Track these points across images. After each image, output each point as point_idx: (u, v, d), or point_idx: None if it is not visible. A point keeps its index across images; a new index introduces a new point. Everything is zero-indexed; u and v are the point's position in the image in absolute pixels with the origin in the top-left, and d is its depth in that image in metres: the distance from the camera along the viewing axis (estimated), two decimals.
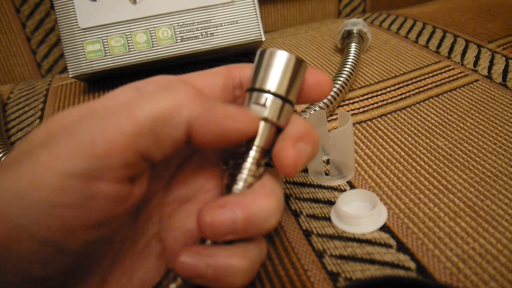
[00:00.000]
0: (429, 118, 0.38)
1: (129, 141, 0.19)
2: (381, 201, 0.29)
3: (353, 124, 0.38)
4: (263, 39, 0.47)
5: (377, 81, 0.45)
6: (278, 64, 0.24)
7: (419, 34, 0.55)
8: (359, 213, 0.28)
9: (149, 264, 0.23)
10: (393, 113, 0.39)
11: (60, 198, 0.18)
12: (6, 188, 0.18)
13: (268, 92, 0.23)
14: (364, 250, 0.26)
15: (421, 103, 0.40)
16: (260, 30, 0.47)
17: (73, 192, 0.18)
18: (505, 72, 0.44)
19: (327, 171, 0.32)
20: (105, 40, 0.45)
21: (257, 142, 0.23)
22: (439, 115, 0.38)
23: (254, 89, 0.24)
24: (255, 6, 0.46)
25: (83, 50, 0.45)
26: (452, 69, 0.46)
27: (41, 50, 0.60)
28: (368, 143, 0.35)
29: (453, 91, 0.42)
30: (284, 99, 0.24)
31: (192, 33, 0.46)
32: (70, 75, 0.45)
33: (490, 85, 0.42)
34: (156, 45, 0.45)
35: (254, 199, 0.22)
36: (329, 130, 0.37)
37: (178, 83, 0.21)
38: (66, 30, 0.45)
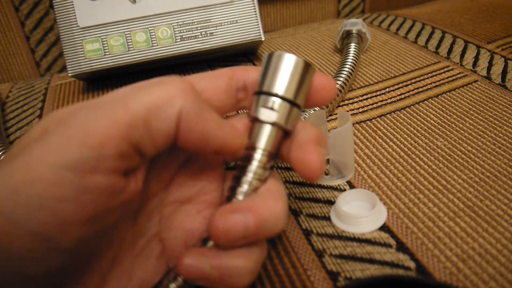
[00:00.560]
0: (428, 119, 0.38)
1: (123, 131, 0.19)
2: (380, 201, 0.29)
3: (353, 124, 0.38)
4: (263, 39, 0.47)
5: (376, 81, 0.45)
6: (286, 68, 0.23)
7: (418, 34, 0.55)
8: (359, 213, 0.28)
9: (149, 264, 0.23)
10: (392, 113, 0.39)
11: (54, 191, 0.18)
12: (1, 183, 0.18)
13: (276, 95, 0.23)
14: (363, 250, 0.26)
15: (421, 103, 0.40)
16: (259, 30, 0.47)
17: (67, 185, 0.18)
18: (504, 72, 0.44)
19: (326, 171, 0.32)
20: (105, 39, 0.45)
21: (263, 145, 0.23)
22: (439, 116, 0.38)
23: (261, 92, 0.24)
24: (254, 6, 0.47)
25: (82, 49, 0.45)
26: (451, 69, 0.46)
27: (40, 49, 0.60)
28: (367, 143, 0.35)
29: (452, 92, 0.42)
30: (292, 102, 0.24)
31: (191, 32, 0.46)
32: (69, 74, 0.45)
33: (489, 86, 0.42)
34: (156, 44, 0.45)
35: (264, 204, 0.22)
36: (328, 130, 0.37)
37: (176, 78, 0.22)
38: (66, 29, 0.45)
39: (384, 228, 0.27)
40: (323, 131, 0.32)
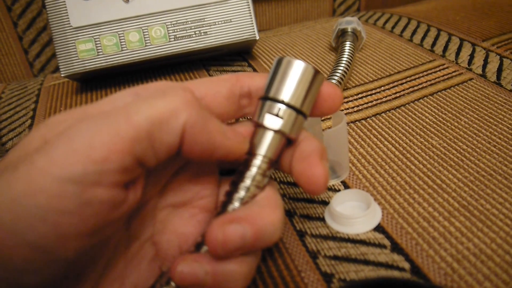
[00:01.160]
0: (423, 117, 0.38)
1: (127, 145, 0.19)
2: (375, 201, 0.29)
3: (347, 123, 0.38)
4: (257, 38, 0.47)
5: (371, 80, 0.45)
6: (295, 74, 0.23)
7: (414, 32, 0.55)
8: (353, 213, 0.28)
9: (141, 268, 0.23)
10: (387, 112, 0.39)
11: (56, 204, 0.17)
12: (0, 193, 0.17)
13: (283, 102, 0.23)
14: (358, 251, 0.26)
15: (416, 102, 0.40)
16: (254, 29, 0.46)
17: (69, 198, 0.18)
18: (499, 70, 0.43)
19: None
20: (98, 39, 0.45)
21: (265, 152, 0.23)
22: (434, 114, 0.38)
23: (268, 97, 0.23)
24: (249, 5, 0.46)
25: (75, 49, 0.44)
26: (447, 67, 0.45)
27: (33, 50, 0.59)
28: (362, 143, 0.35)
29: (448, 90, 0.41)
30: (298, 111, 0.23)
31: (185, 32, 0.45)
32: (62, 75, 0.45)
33: (484, 84, 0.42)
34: (149, 44, 0.45)
35: (262, 213, 0.22)
36: (323, 130, 0.37)
37: (178, 88, 0.21)
38: (58, 29, 0.44)
39: (378, 228, 0.27)
40: (318, 131, 0.31)
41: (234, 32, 0.46)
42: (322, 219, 0.28)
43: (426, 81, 0.43)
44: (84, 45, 0.44)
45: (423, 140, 0.35)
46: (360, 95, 0.42)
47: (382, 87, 0.43)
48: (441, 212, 0.28)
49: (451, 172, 0.31)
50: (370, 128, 0.37)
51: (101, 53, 0.45)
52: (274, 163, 0.24)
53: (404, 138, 0.35)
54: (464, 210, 0.28)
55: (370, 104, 0.40)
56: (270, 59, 0.52)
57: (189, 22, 0.46)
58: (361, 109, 0.40)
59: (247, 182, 0.23)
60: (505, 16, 0.57)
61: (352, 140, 0.36)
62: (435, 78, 0.44)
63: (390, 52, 0.50)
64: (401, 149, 0.34)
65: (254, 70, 0.49)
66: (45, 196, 0.17)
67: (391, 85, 0.43)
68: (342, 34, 0.49)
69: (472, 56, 0.47)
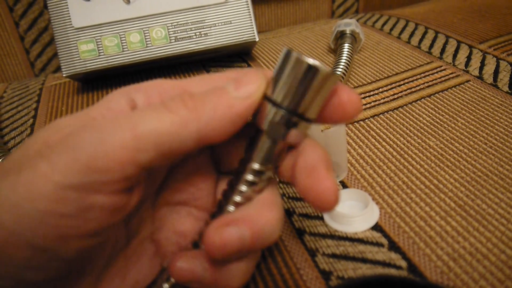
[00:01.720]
0: (421, 118, 0.38)
1: (130, 156, 0.19)
2: (373, 200, 0.30)
3: (346, 124, 0.38)
4: (257, 39, 0.47)
5: (369, 81, 0.45)
6: (302, 75, 0.20)
7: (412, 34, 0.55)
8: (352, 212, 0.28)
9: (142, 264, 0.24)
10: (385, 113, 0.39)
11: (56, 208, 0.18)
12: (3, 196, 0.18)
13: (285, 108, 0.20)
14: (356, 249, 0.26)
15: (413, 103, 0.41)
16: (253, 30, 0.47)
17: (69, 203, 0.18)
18: (496, 72, 0.44)
19: None
20: (99, 40, 0.45)
21: (262, 158, 0.22)
22: (431, 115, 0.38)
23: (269, 99, 0.21)
24: (248, 6, 0.47)
25: (76, 50, 0.45)
26: (444, 69, 0.46)
27: (35, 49, 0.60)
28: (360, 143, 0.36)
29: (445, 92, 0.42)
30: (302, 116, 0.21)
31: (186, 33, 0.46)
32: (63, 75, 0.45)
33: (481, 86, 0.42)
34: (150, 45, 0.46)
35: (259, 214, 0.21)
36: (321, 130, 0.37)
37: (175, 98, 0.21)
38: (60, 30, 0.45)
39: (376, 227, 0.28)
40: (316, 131, 0.32)
41: (234, 33, 0.47)
42: (321, 218, 0.29)
43: (424, 83, 0.44)
44: (85, 45, 0.45)
45: (420, 141, 0.35)
46: None
47: (380, 89, 0.43)
48: (438, 211, 0.28)
49: (447, 173, 0.31)
50: (368, 129, 0.37)
51: (102, 53, 0.45)
52: (273, 167, 0.22)
53: (402, 139, 0.36)
54: (460, 210, 0.28)
55: (368, 106, 0.41)
56: (269, 60, 0.52)
57: (190, 24, 0.46)
58: None
59: (243, 187, 0.22)
60: (502, 18, 0.57)
61: (351, 140, 0.36)
62: (433, 80, 0.44)
63: (388, 54, 0.51)
64: (399, 149, 0.34)
65: None
66: (46, 200, 0.18)
67: (389, 86, 0.44)
68: (340, 36, 0.49)
69: (469, 58, 0.47)
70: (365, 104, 0.41)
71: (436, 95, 0.42)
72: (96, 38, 0.45)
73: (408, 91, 0.43)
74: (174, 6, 0.46)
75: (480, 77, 0.44)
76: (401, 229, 0.27)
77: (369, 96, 0.42)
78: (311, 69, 0.20)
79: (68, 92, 0.50)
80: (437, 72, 0.45)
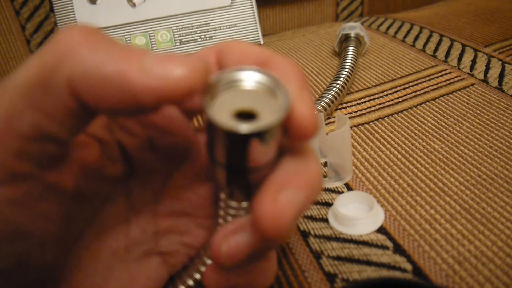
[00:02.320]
0: (425, 121, 0.38)
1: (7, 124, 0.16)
2: (378, 203, 0.30)
3: (351, 127, 0.38)
4: (261, 43, 0.47)
5: (374, 84, 0.45)
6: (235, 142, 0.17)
7: (416, 38, 0.55)
8: (357, 215, 0.28)
9: (147, 275, 0.23)
10: (390, 116, 0.39)
11: None
12: None
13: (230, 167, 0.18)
14: (361, 252, 0.26)
15: (418, 106, 0.41)
16: (258, 33, 0.47)
17: None
18: (501, 76, 0.44)
19: (324, 173, 0.33)
20: None
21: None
22: (436, 119, 0.38)
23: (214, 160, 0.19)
24: (253, 10, 0.47)
25: None
26: (449, 73, 0.46)
27: None
28: (365, 146, 0.36)
29: (450, 95, 0.42)
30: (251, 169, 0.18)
31: (191, 36, 0.46)
32: None
33: (486, 89, 0.42)
34: (155, 48, 0.46)
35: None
36: (326, 133, 0.37)
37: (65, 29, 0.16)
38: None
39: (381, 230, 0.28)
40: (321, 134, 0.32)
41: (239, 36, 0.47)
42: (325, 220, 0.29)
43: (429, 86, 0.44)
44: None
45: (425, 144, 0.35)
46: (363, 100, 0.42)
47: (385, 92, 0.43)
48: (443, 214, 0.28)
49: (452, 176, 0.31)
50: (373, 132, 0.37)
51: None
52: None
53: (407, 142, 0.36)
54: (465, 213, 0.28)
55: (373, 109, 0.41)
56: None
57: (195, 27, 0.46)
58: (364, 113, 0.40)
59: (231, 210, 0.21)
60: (507, 22, 0.57)
61: (355, 143, 0.36)
62: (438, 83, 0.44)
63: (393, 57, 0.51)
64: (404, 152, 0.34)
65: None
66: None
67: (394, 90, 0.44)
68: (345, 39, 0.49)
69: (474, 62, 0.47)
70: (370, 107, 0.41)
71: (441, 98, 0.41)
72: None
73: (413, 94, 0.43)
74: (180, 9, 0.46)
75: (485, 81, 0.44)
76: (406, 232, 0.27)
77: (374, 99, 0.42)
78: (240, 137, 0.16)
79: None
80: (442, 76, 0.45)
